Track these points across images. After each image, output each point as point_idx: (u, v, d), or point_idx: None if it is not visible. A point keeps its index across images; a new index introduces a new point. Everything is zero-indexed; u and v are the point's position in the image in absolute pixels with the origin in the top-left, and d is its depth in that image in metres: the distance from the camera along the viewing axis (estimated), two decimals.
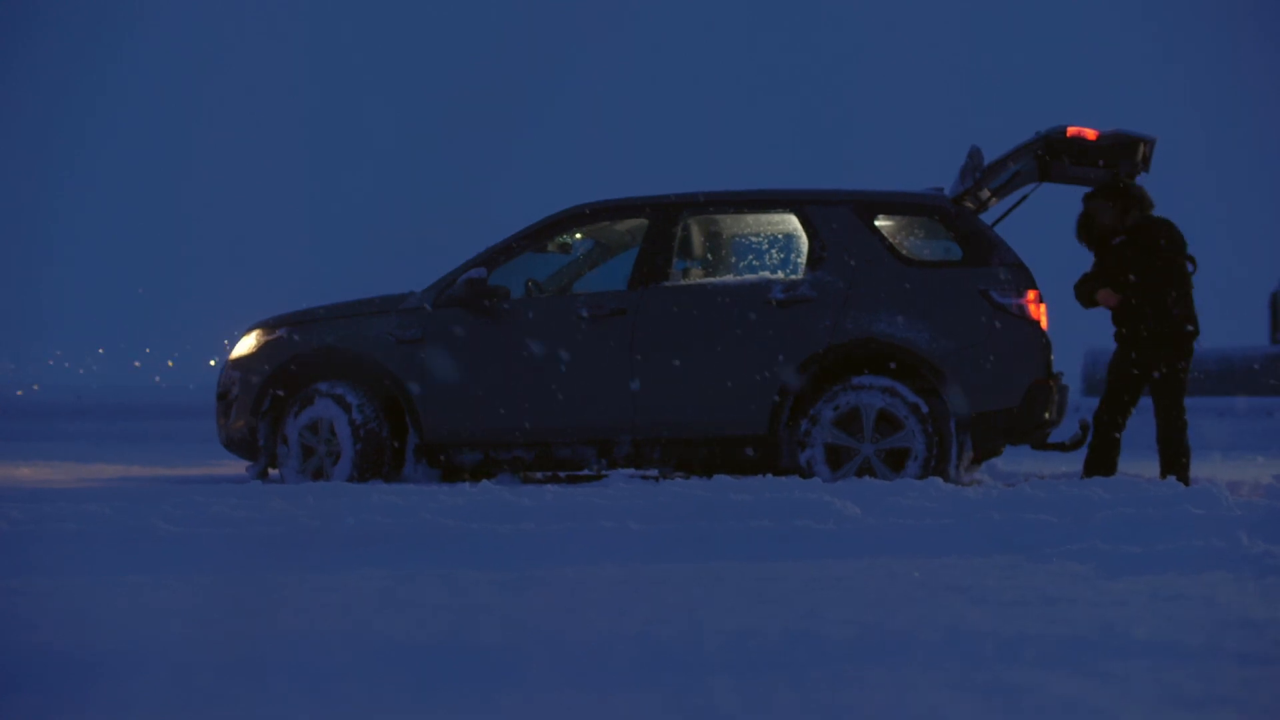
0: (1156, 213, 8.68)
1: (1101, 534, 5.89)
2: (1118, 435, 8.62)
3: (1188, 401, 8.65)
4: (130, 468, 10.89)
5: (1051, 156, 8.78)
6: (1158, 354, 8.50)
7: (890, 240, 8.82)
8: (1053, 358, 8.62)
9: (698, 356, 8.72)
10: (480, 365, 8.95)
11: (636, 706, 3.33)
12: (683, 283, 8.98)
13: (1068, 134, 8.66)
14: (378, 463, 9.01)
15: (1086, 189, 8.95)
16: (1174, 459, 8.48)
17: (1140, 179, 8.90)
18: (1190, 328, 8.51)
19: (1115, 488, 7.35)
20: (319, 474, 9.03)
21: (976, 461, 9.18)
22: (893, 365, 8.58)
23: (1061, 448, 8.93)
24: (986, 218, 9.27)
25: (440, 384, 8.97)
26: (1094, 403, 20.62)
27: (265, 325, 9.46)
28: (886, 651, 3.81)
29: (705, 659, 3.76)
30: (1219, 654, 3.75)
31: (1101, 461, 8.60)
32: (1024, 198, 9.57)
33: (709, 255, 9.55)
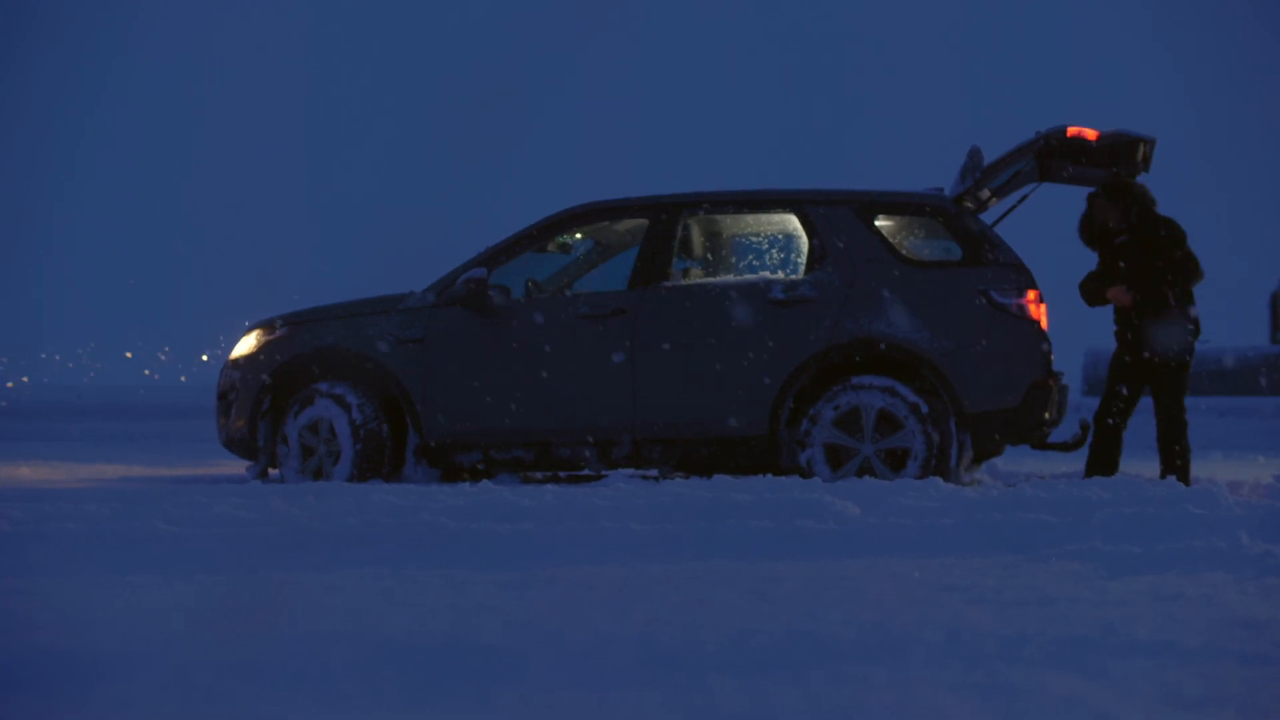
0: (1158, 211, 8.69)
1: (1101, 534, 5.89)
2: (1119, 434, 8.62)
3: (1188, 401, 8.65)
4: (130, 468, 10.88)
5: (1051, 157, 8.78)
6: (1158, 353, 8.50)
7: (890, 240, 8.82)
8: (1053, 357, 8.62)
9: (698, 356, 8.72)
10: (480, 365, 8.95)
11: (637, 706, 3.33)
12: (683, 283, 8.98)
13: (1068, 134, 8.66)
14: (378, 462, 9.01)
15: (1087, 189, 8.96)
16: (1174, 458, 8.48)
17: (1140, 179, 8.90)
18: (1190, 327, 8.52)
19: (1115, 488, 7.35)
20: (319, 474, 9.03)
21: (976, 461, 9.17)
22: (893, 365, 8.58)
23: (1062, 448, 8.93)
24: (986, 218, 9.27)
25: (440, 384, 8.97)
26: (1094, 403, 20.62)
27: (265, 325, 9.46)
28: (887, 651, 3.81)
29: (706, 659, 3.76)
30: (1219, 654, 3.75)
31: (1103, 461, 8.60)
32: (1024, 198, 9.56)
33: (709, 255, 9.55)
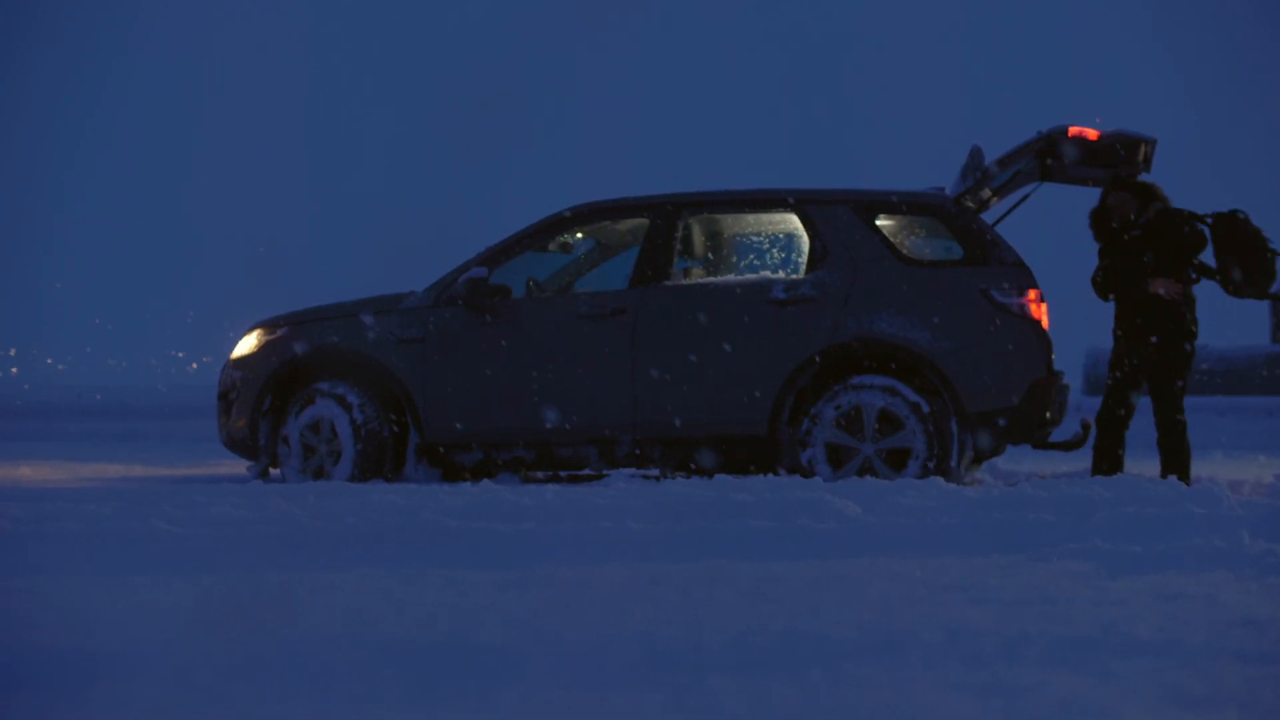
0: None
1: (1102, 533, 5.89)
2: (1123, 433, 8.60)
3: (1189, 401, 8.64)
4: (130, 468, 10.89)
5: (1052, 156, 8.78)
6: (1158, 351, 8.49)
7: (891, 239, 8.82)
8: (1053, 357, 8.62)
9: (699, 356, 8.72)
10: (481, 365, 8.95)
11: (637, 706, 3.33)
12: (684, 282, 8.98)
13: (1069, 134, 8.66)
14: (379, 462, 9.01)
15: (1089, 188, 8.95)
16: (1174, 458, 8.47)
17: (1143, 178, 8.89)
18: (1193, 328, 8.51)
19: (1116, 487, 7.35)
20: (320, 474, 9.03)
21: (977, 461, 9.17)
22: (893, 365, 8.58)
23: (1062, 447, 8.93)
24: (987, 217, 9.27)
25: (441, 383, 8.97)
26: (1095, 402, 20.61)
27: (266, 325, 9.46)
28: (887, 651, 3.81)
29: (706, 658, 3.76)
30: (1220, 653, 3.75)
31: (1107, 460, 8.58)
32: (1025, 197, 9.57)
33: (710, 255, 9.55)
